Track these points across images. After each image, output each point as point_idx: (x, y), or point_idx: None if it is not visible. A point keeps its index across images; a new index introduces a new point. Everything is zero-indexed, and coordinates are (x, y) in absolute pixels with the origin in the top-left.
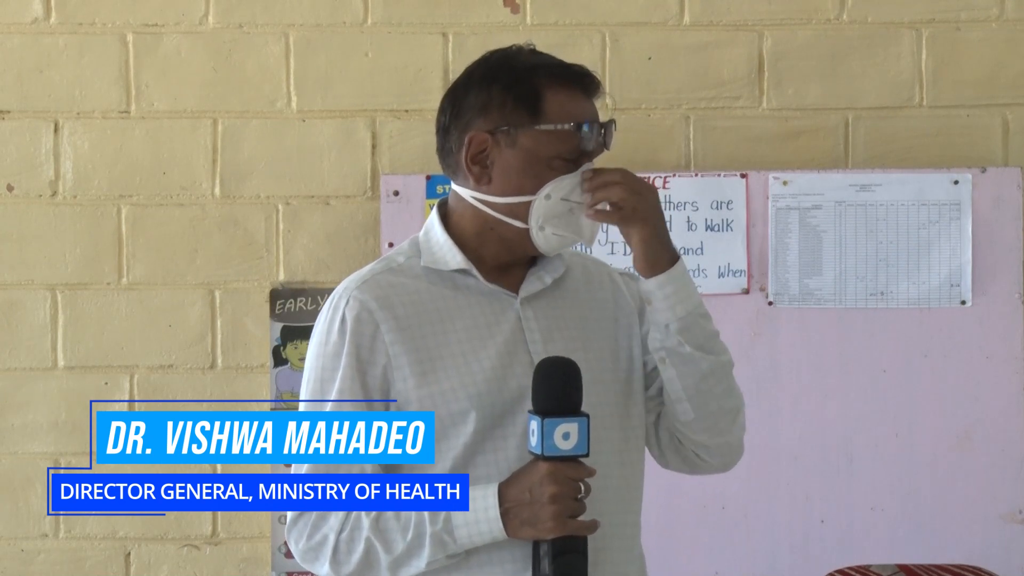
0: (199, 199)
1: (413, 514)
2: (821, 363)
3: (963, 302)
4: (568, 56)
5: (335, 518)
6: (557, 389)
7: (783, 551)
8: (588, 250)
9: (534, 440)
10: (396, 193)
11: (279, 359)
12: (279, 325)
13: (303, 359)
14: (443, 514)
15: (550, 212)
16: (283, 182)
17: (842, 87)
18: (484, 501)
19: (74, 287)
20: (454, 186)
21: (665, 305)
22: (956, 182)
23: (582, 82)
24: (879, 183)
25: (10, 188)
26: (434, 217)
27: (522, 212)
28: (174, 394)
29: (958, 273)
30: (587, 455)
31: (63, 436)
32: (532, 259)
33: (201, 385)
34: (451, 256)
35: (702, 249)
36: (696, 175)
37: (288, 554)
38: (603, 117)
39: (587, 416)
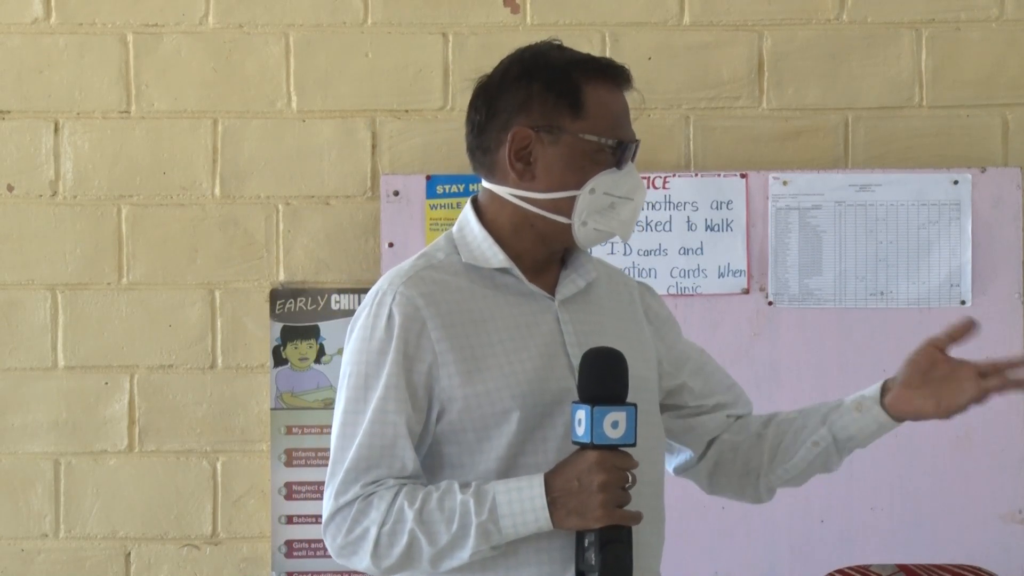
0: (199, 199)
1: (458, 504)
2: (821, 363)
3: (963, 302)
4: None
5: (376, 511)
6: (607, 377)
7: (783, 551)
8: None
9: (581, 429)
10: (396, 193)
11: (279, 359)
12: (279, 325)
13: (303, 359)
14: (488, 504)
15: (593, 206)
16: (283, 182)
17: (842, 87)
18: (530, 491)
19: (74, 287)
20: (487, 184)
21: (868, 436)
22: (956, 182)
23: (615, 74)
24: (879, 183)
25: (10, 188)
26: (470, 213)
27: (566, 207)
28: (174, 394)
29: (958, 273)
30: (634, 445)
31: (63, 436)
32: (562, 260)
33: (201, 385)
34: (492, 254)
35: (702, 249)
36: (696, 175)
37: (288, 554)
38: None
39: (635, 406)
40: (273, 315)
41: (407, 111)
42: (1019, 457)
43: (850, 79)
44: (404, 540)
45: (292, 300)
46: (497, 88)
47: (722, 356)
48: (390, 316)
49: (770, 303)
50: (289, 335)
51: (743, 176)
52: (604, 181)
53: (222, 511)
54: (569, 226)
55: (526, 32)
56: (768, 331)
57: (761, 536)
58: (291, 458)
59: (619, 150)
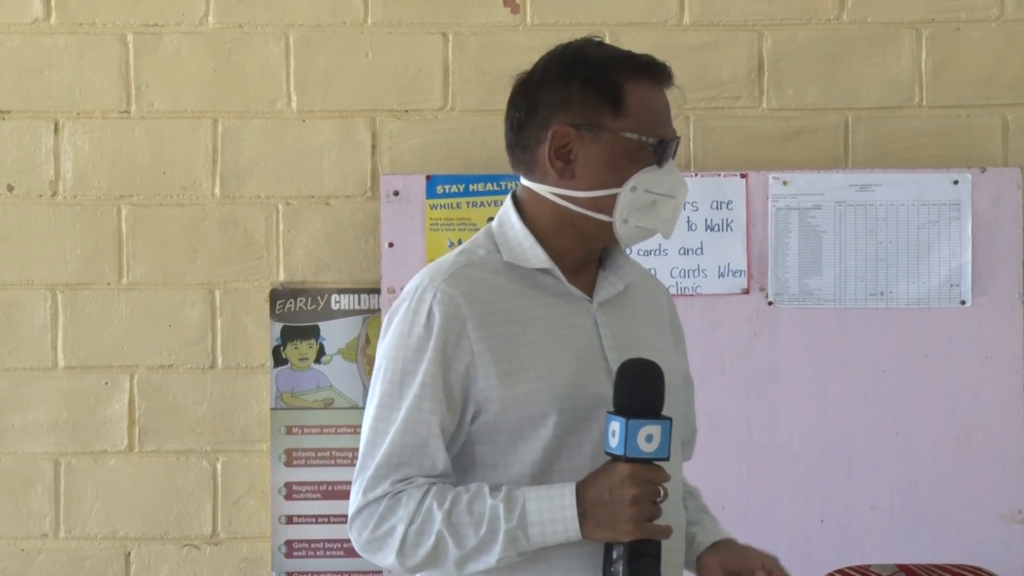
0: (199, 199)
1: (487, 508)
2: (821, 363)
3: (963, 302)
4: None
5: (405, 509)
6: (643, 390)
7: (783, 551)
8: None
9: (615, 441)
10: (396, 193)
11: (279, 359)
12: (279, 325)
13: (303, 359)
14: (518, 511)
15: (634, 204)
16: (283, 182)
17: (842, 87)
18: (561, 500)
19: (74, 287)
20: (527, 182)
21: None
22: (956, 182)
23: (656, 72)
24: (879, 183)
25: (10, 188)
26: (511, 210)
27: (606, 205)
28: (174, 394)
29: (958, 273)
30: (667, 459)
31: (63, 436)
32: (599, 261)
33: (201, 385)
34: (533, 254)
35: (702, 249)
36: (696, 175)
37: (288, 554)
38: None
39: (670, 420)
40: (273, 315)
41: (407, 111)
42: (1019, 457)
43: (850, 79)
44: (431, 540)
45: (292, 300)
46: (537, 85)
47: (722, 356)
48: (430, 313)
49: (770, 303)
50: (289, 335)
51: (743, 176)
52: (645, 179)
53: (222, 511)
54: (610, 224)
55: (526, 32)
56: (768, 331)
57: (761, 536)
58: (291, 458)
59: (660, 148)
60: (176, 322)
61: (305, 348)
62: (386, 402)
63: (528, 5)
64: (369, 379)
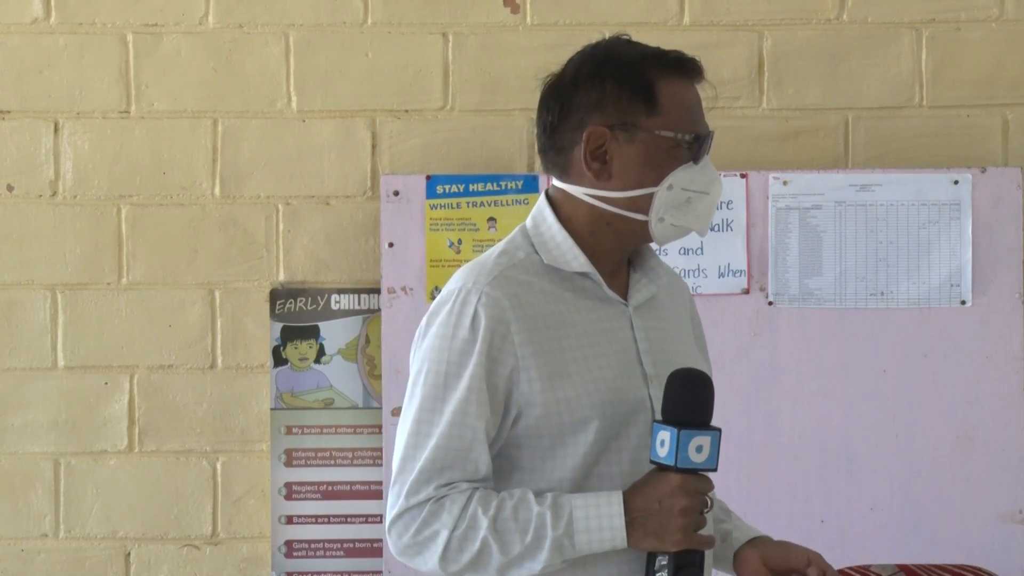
0: (199, 199)
1: (533, 515)
2: (821, 363)
3: (963, 302)
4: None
5: (448, 515)
6: (694, 401)
7: None
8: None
9: (664, 451)
10: (396, 193)
11: (279, 359)
12: (279, 325)
13: (303, 359)
14: (565, 518)
15: (671, 202)
16: (283, 182)
17: (842, 87)
18: (609, 508)
19: (74, 287)
20: (561, 184)
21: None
22: (956, 182)
23: (687, 68)
24: (879, 183)
25: (10, 188)
26: (547, 211)
27: (643, 204)
28: (174, 394)
29: (958, 273)
30: (716, 470)
31: (63, 436)
32: (628, 262)
33: (201, 385)
34: (573, 256)
35: (702, 249)
36: None
37: (288, 554)
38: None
39: (720, 431)
40: (273, 315)
41: (407, 111)
42: (1019, 457)
43: (850, 79)
44: (476, 547)
45: (292, 300)
46: (569, 87)
47: (722, 356)
48: (475, 316)
49: (770, 303)
50: (289, 335)
51: (743, 176)
52: (682, 177)
53: (222, 511)
54: (646, 223)
55: (526, 32)
56: (768, 331)
57: None
58: (291, 458)
59: (696, 144)
60: (176, 322)
61: (305, 348)
62: (428, 405)
63: (528, 5)
64: (368, 379)
